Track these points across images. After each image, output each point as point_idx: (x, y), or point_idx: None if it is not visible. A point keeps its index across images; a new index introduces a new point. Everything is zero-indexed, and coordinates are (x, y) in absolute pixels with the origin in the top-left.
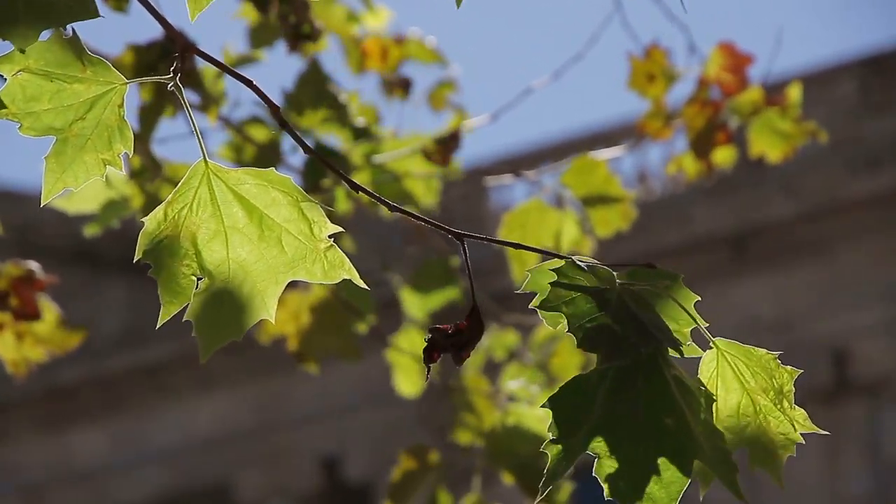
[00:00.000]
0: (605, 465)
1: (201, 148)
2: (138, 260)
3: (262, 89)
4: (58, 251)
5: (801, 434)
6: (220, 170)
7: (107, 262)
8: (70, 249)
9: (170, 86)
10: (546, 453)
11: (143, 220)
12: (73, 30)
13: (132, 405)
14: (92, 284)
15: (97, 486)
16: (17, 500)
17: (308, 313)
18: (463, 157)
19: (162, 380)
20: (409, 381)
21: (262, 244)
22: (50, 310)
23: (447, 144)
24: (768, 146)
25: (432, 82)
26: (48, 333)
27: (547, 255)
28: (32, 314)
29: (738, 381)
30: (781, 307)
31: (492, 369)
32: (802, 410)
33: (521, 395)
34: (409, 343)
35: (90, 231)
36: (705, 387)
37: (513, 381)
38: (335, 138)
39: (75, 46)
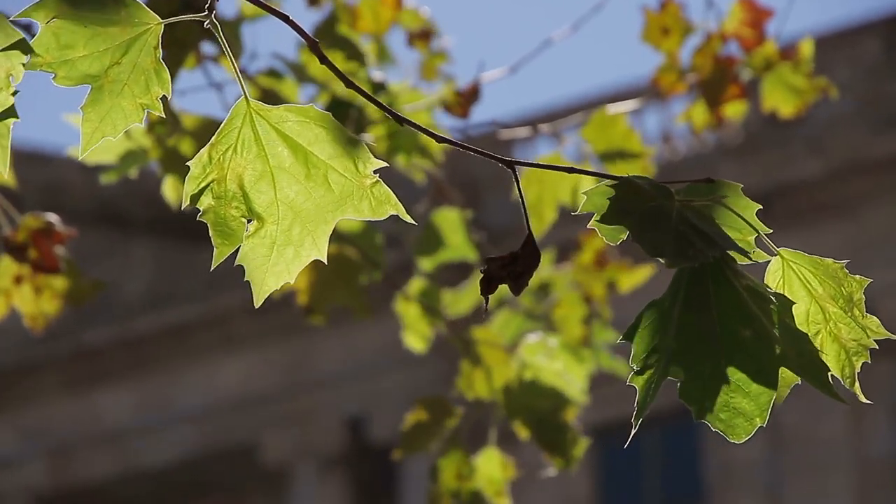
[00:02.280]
0: (690, 387)
1: (242, 86)
2: (186, 207)
3: (298, 24)
4: (83, 212)
5: (883, 332)
6: (261, 108)
7: (133, 223)
8: (96, 211)
9: (206, 23)
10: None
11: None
12: None
13: (158, 366)
14: (118, 246)
15: (123, 447)
16: (45, 460)
17: (318, 268)
18: (484, 119)
19: (188, 341)
20: (417, 335)
21: (310, 183)
22: (69, 263)
23: (467, 96)
24: (780, 101)
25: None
26: (67, 287)
27: (603, 176)
28: (51, 267)
29: (806, 289)
30: None
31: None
32: (875, 318)
33: (538, 349)
34: (420, 295)
35: (106, 179)
36: (781, 292)
37: (530, 335)
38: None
39: None
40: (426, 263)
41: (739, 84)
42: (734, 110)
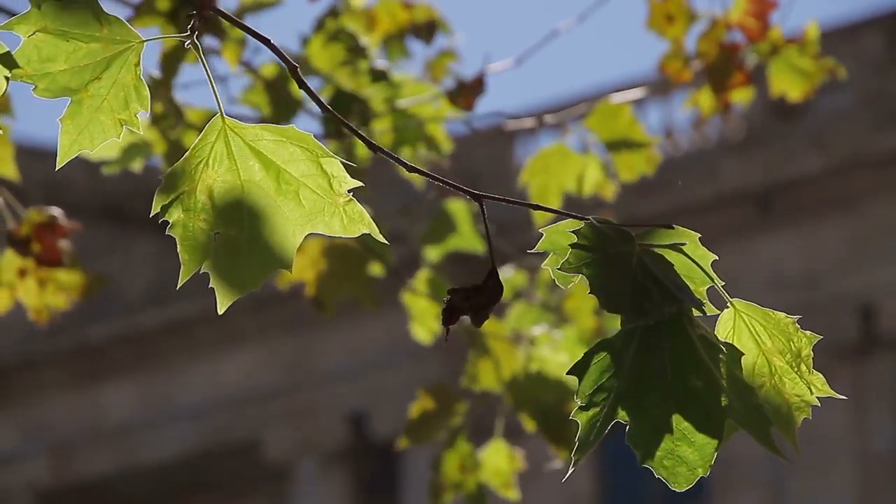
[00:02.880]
0: (637, 431)
1: (218, 104)
2: (155, 215)
3: (278, 48)
4: (86, 208)
5: (826, 391)
6: (237, 125)
7: (135, 219)
8: (98, 207)
9: (187, 44)
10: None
11: (168, 168)
12: None
13: (160, 362)
14: (121, 242)
15: (125, 443)
16: (47, 456)
17: (327, 260)
18: (489, 109)
19: (190, 337)
20: (424, 326)
21: (280, 197)
22: (72, 257)
23: (471, 88)
24: (788, 85)
25: (433, 51)
26: (70, 281)
27: (564, 214)
28: (54, 260)
29: (755, 342)
30: (808, 262)
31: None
32: (820, 375)
33: (543, 341)
34: (427, 287)
35: (108, 171)
36: (731, 343)
37: (536, 327)
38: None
39: (92, 5)
40: (433, 253)
41: (745, 70)
42: (740, 96)
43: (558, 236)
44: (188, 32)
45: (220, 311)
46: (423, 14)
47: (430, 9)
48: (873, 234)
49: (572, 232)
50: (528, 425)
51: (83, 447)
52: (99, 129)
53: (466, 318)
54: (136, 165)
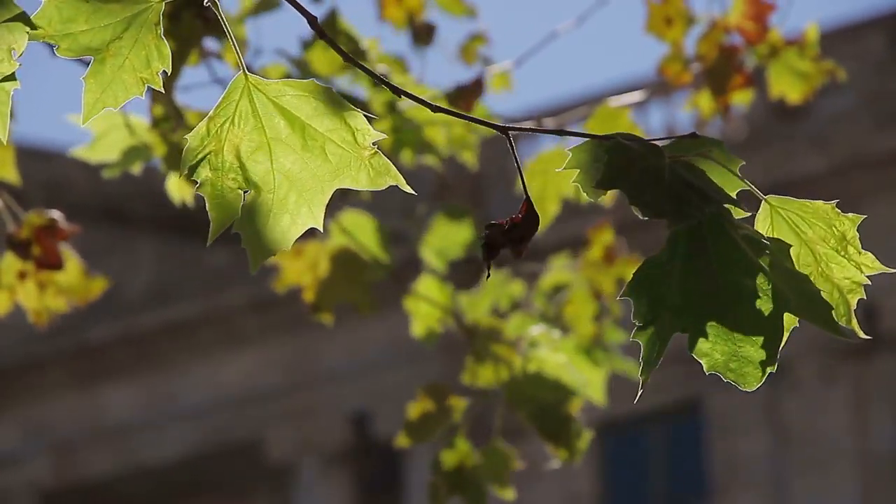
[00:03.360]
0: (697, 341)
1: (240, 61)
2: (182, 175)
3: (298, 2)
4: (87, 210)
5: (878, 267)
6: (259, 82)
7: (136, 220)
8: (99, 208)
9: (206, 1)
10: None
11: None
12: None
13: (162, 363)
14: (121, 243)
15: (127, 444)
16: (49, 456)
17: (325, 264)
18: (489, 113)
19: (192, 337)
20: (426, 329)
21: (306, 154)
22: (72, 260)
23: (470, 91)
24: (788, 87)
25: (463, 35)
26: (70, 283)
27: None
28: (54, 263)
29: (794, 233)
30: None
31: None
32: (870, 254)
33: (542, 341)
34: (427, 291)
35: (108, 173)
36: (776, 237)
37: (534, 327)
38: (356, 87)
39: None
40: (433, 258)
41: (744, 72)
42: (740, 98)
43: (585, 154)
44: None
45: (253, 270)
46: (446, 2)
47: None
48: (874, 234)
49: (604, 147)
50: (526, 425)
51: (84, 447)
52: (122, 88)
53: (466, 320)
54: (136, 168)
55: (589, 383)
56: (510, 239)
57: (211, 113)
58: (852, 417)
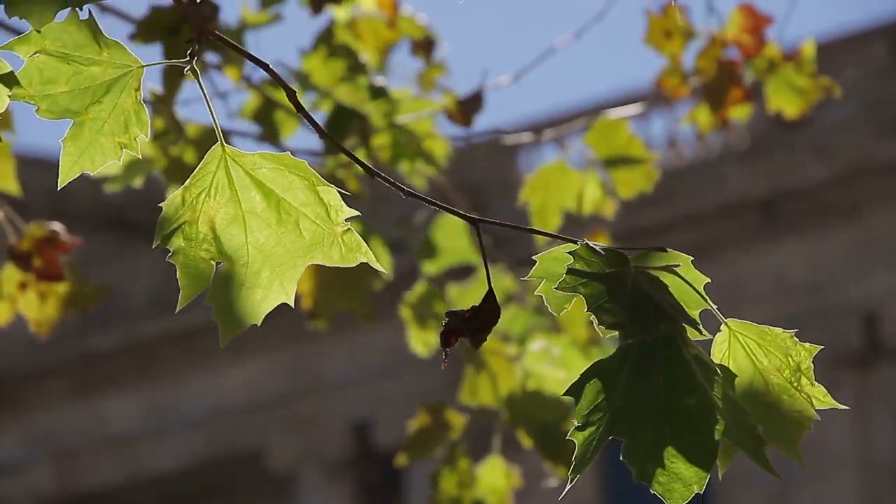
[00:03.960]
0: (632, 448)
1: (218, 133)
2: (157, 245)
3: (277, 73)
4: (89, 218)
5: (828, 402)
6: (237, 154)
7: (138, 228)
8: (101, 216)
9: (186, 69)
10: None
11: (169, 182)
12: (90, 11)
13: (164, 371)
14: (123, 251)
15: (129, 452)
16: (51, 465)
17: (323, 273)
18: (488, 125)
19: (194, 346)
20: (422, 340)
21: (281, 228)
22: (73, 270)
23: (469, 105)
24: (785, 102)
25: (423, 65)
26: (71, 294)
27: (560, 238)
28: (55, 275)
29: (750, 361)
30: (812, 270)
31: None
32: (822, 387)
33: (541, 358)
34: (423, 300)
35: (110, 188)
36: (725, 365)
37: (534, 344)
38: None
39: (92, 28)
40: (430, 268)
41: (743, 87)
42: (739, 113)
43: (552, 263)
44: (188, 58)
45: (222, 344)
46: (408, 27)
47: (414, 21)
48: (877, 243)
49: (568, 253)
50: (526, 442)
51: (87, 456)
52: (99, 152)
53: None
54: (138, 182)
55: None
56: (469, 328)
57: (187, 182)
58: (854, 426)
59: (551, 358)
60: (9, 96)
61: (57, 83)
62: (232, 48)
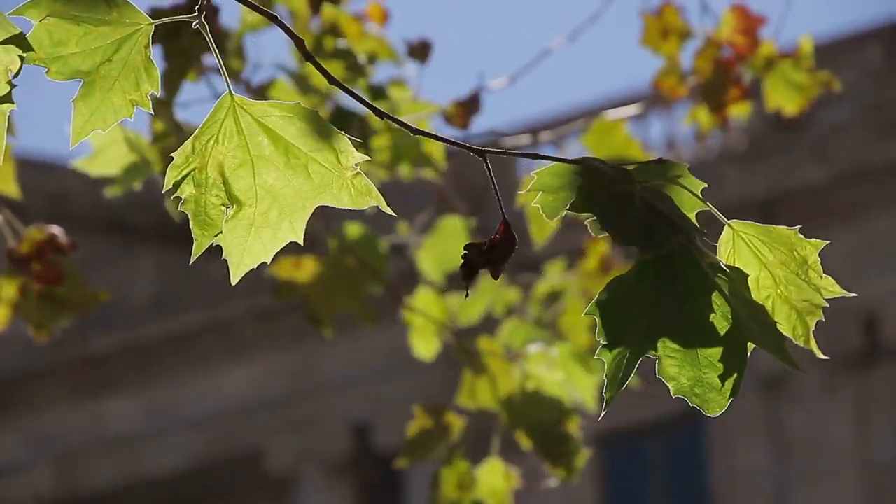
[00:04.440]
0: (665, 364)
1: (226, 82)
2: (167, 191)
3: (285, 24)
4: (88, 221)
5: (838, 291)
6: (245, 102)
7: (137, 231)
8: (101, 219)
9: (194, 24)
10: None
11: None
12: None
13: (164, 373)
14: (123, 253)
15: (129, 454)
16: (51, 467)
17: (323, 276)
18: (486, 128)
19: (194, 348)
20: (425, 343)
21: (289, 171)
22: (73, 273)
23: (467, 107)
24: (784, 99)
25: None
26: (71, 297)
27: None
28: (55, 279)
29: (755, 257)
30: None
31: (491, 325)
32: (831, 279)
33: (539, 360)
34: (425, 304)
35: (111, 192)
36: (736, 267)
37: (532, 345)
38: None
39: None
40: (431, 271)
41: (740, 86)
42: (738, 111)
43: (551, 177)
44: (196, 13)
45: (233, 282)
46: (374, 45)
47: (382, 42)
48: (876, 245)
49: (574, 170)
50: (525, 444)
51: (87, 458)
52: (111, 110)
53: (466, 335)
54: (137, 184)
55: (585, 392)
56: (488, 259)
57: (197, 131)
58: (853, 428)
59: (549, 360)
60: (19, 57)
61: (67, 45)
62: (245, 4)
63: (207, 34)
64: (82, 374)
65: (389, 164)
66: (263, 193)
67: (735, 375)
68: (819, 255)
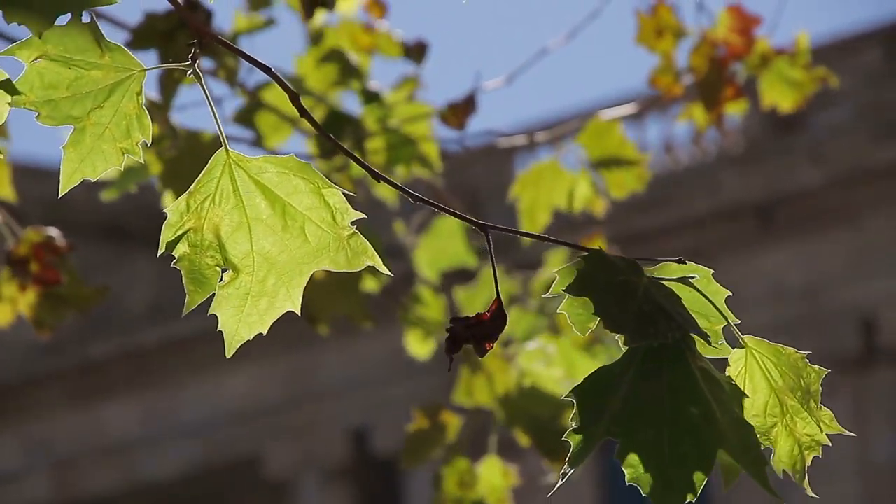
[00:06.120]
0: (627, 450)
1: (221, 136)
2: (162, 253)
3: (279, 76)
4: (86, 226)
5: (835, 427)
6: (241, 159)
7: (135, 236)
8: (98, 224)
9: (189, 73)
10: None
11: (165, 210)
12: (92, 15)
13: (162, 379)
14: (120, 259)
15: (127, 460)
16: (49, 473)
17: (320, 276)
18: (483, 129)
19: (192, 353)
20: (421, 342)
21: (286, 235)
22: (71, 273)
23: (463, 108)
24: (780, 96)
25: (398, 77)
26: (71, 294)
27: (571, 245)
28: (52, 280)
29: (766, 381)
30: (809, 275)
31: None
32: (829, 411)
33: (537, 356)
34: (421, 303)
35: (107, 196)
36: (734, 381)
37: (529, 343)
38: (350, 102)
39: (94, 32)
40: (428, 271)
41: (736, 84)
42: (734, 109)
43: (571, 277)
44: (189, 62)
45: (228, 355)
46: (385, 41)
47: (390, 38)
48: (873, 247)
49: (581, 258)
50: (523, 441)
51: (85, 464)
52: (101, 158)
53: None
54: (133, 187)
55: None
56: (473, 335)
57: (192, 188)
58: (852, 429)
59: (546, 356)
60: (8, 104)
61: (58, 88)
62: (233, 51)
63: (202, 84)
64: (80, 380)
65: (385, 167)
66: (261, 260)
67: (698, 479)
68: (818, 256)
